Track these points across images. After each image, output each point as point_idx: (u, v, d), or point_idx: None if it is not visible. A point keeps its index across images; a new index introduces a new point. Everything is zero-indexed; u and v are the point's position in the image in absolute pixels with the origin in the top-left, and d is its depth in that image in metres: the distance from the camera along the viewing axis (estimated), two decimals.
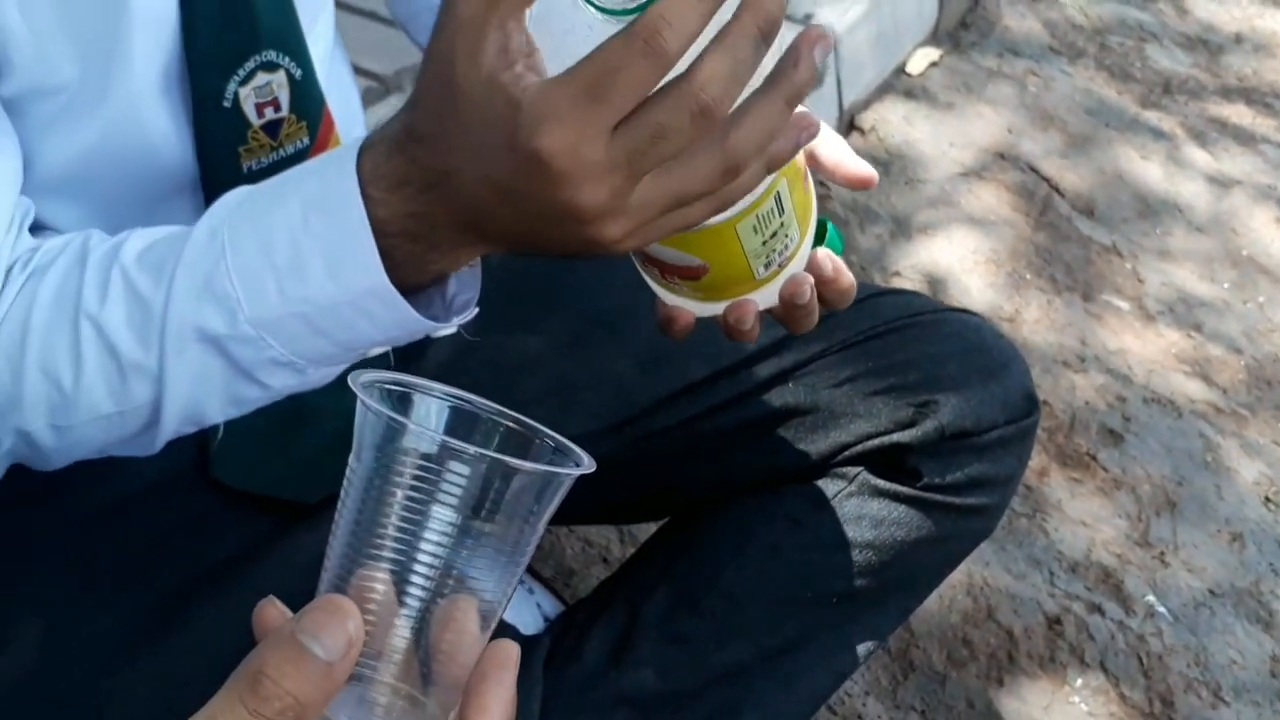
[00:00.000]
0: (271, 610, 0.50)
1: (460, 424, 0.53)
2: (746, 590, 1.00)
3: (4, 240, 0.73)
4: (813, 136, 0.66)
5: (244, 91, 0.81)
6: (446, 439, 0.49)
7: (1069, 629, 1.44)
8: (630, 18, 0.58)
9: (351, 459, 0.51)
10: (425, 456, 0.49)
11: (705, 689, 0.98)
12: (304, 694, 0.45)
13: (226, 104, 0.81)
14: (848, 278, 0.85)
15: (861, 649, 1.05)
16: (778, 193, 0.75)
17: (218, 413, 0.75)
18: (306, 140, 0.86)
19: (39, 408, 0.73)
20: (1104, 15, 2.73)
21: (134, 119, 0.80)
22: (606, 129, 0.59)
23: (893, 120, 2.28)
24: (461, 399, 0.54)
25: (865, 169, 0.91)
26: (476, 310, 0.73)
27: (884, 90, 2.35)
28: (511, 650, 0.52)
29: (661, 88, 0.58)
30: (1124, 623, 1.47)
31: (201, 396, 0.73)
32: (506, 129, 0.59)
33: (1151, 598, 1.50)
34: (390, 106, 1.91)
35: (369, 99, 1.88)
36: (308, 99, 0.86)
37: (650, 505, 1.11)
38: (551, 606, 1.10)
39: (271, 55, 0.82)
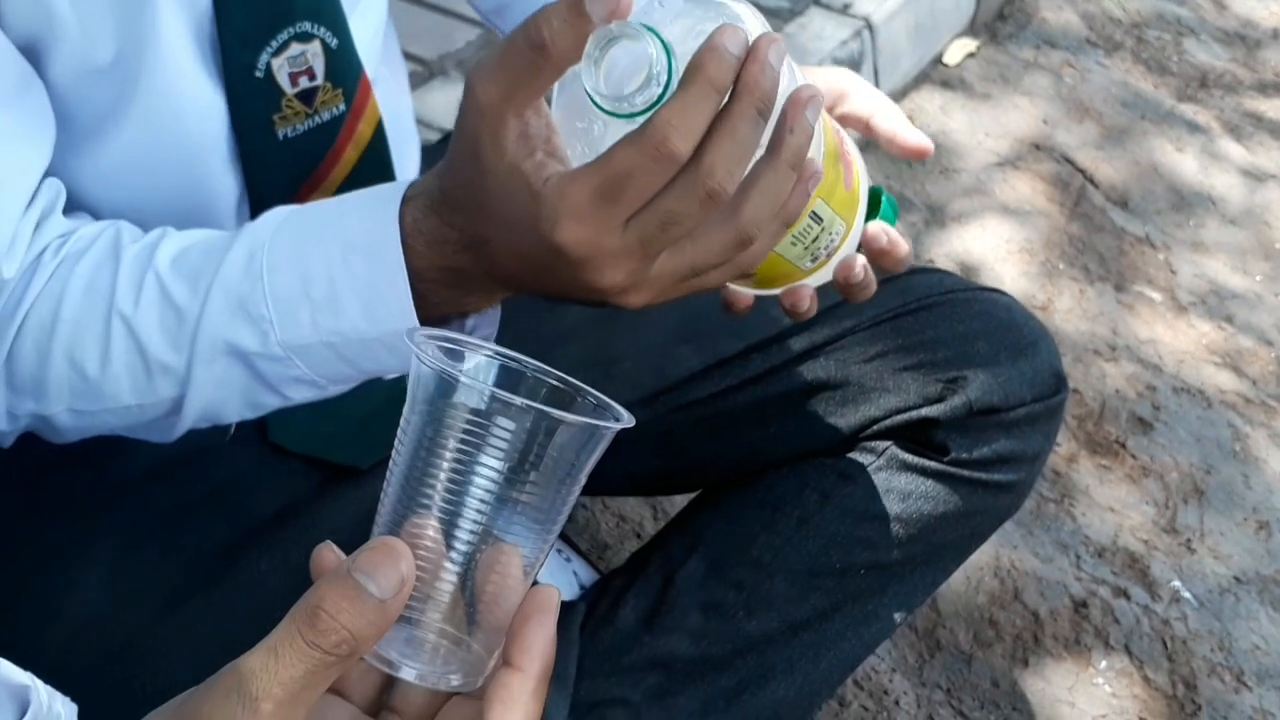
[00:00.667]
0: (328, 554, 0.53)
1: (508, 380, 0.55)
2: (776, 561, 1.01)
3: (26, 219, 0.75)
4: (818, 183, 0.69)
5: (276, 62, 0.83)
6: (495, 391, 0.51)
7: (1094, 612, 1.45)
8: (639, 119, 0.61)
9: (405, 411, 0.53)
10: (474, 409, 0.51)
11: (736, 656, 1.00)
12: (358, 629, 0.47)
13: (259, 74, 0.82)
14: (902, 247, 0.89)
15: (888, 621, 1.06)
16: (813, 210, 0.76)
17: (235, 414, 0.79)
18: (342, 106, 0.88)
19: (61, 392, 0.76)
20: (1142, 9, 2.73)
21: (171, 93, 0.81)
22: (621, 222, 0.63)
23: (929, 110, 2.29)
24: (509, 357, 0.56)
25: (920, 139, 0.95)
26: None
27: (921, 80, 2.36)
28: (552, 595, 0.54)
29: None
30: (1149, 607, 1.47)
31: (223, 400, 0.77)
32: (530, 216, 0.63)
33: (1177, 583, 1.51)
34: (434, 90, 1.94)
35: (414, 82, 1.91)
36: (344, 66, 0.87)
37: (683, 477, 1.13)
38: (587, 575, 1.12)
39: (306, 26, 0.84)
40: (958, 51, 2.44)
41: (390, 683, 0.56)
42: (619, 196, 0.61)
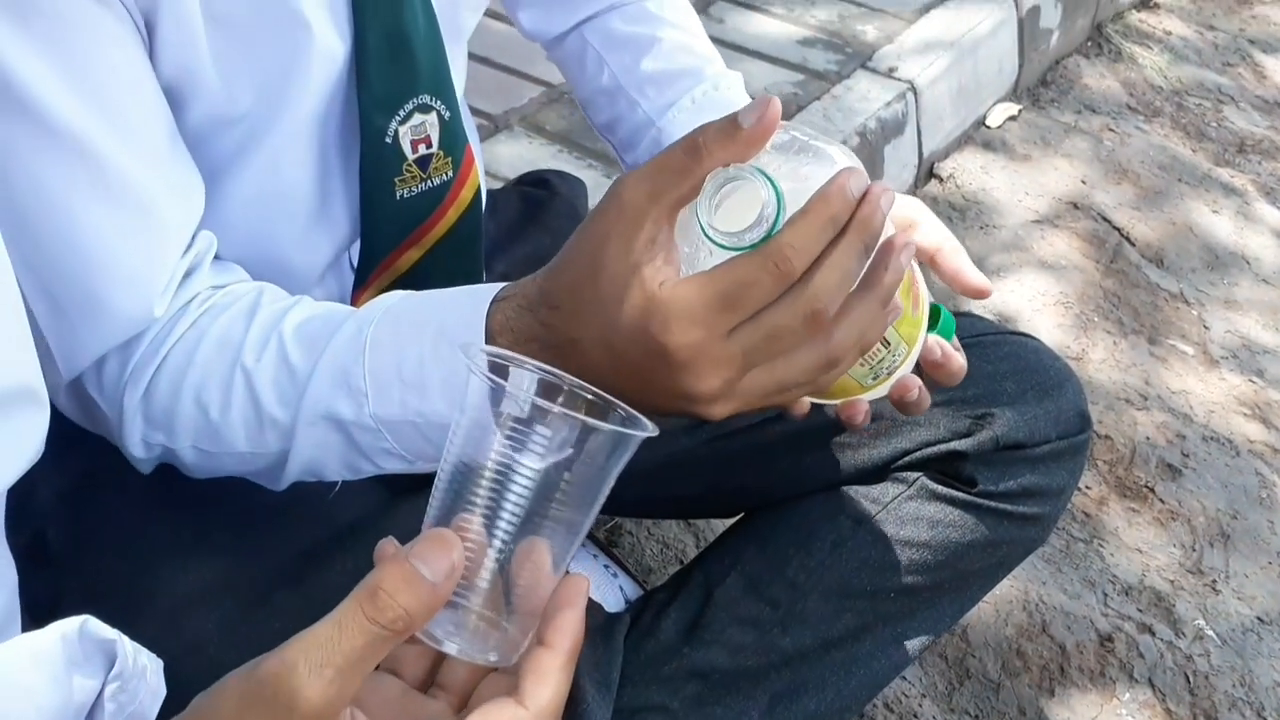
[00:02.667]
0: (389, 546, 0.58)
1: (548, 392, 0.60)
2: (811, 581, 1.05)
3: (180, 265, 0.82)
4: (898, 316, 0.74)
5: (403, 130, 0.90)
6: (537, 400, 0.57)
7: (1119, 646, 1.47)
8: (743, 251, 0.66)
9: (456, 416, 0.59)
10: (518, 416, 0.57)
11: (770, 669, 1.04)
12: (412, 607, 0.52)
13: (388, 140, 0.89)
14: (957, 361, 0.92)
15: (916, 644, 1.09)
16: (884, 337, 0.80)
17: (335, 474, 0.84)
18: (450, 174, 0.95)
19: (188, 430, 0.83)
20: (1183, 77, 2.76)
21: (292, 149, 0.88)
22: (728, 329, 0.67)
23: (970, 169, 2.33)
24: (550, 373, 0.61)
25: (981, 281, 0.98)
26: None
27: (963, 141, 2.40)
28: (582, 583, 0.60)
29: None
30: (1173, 643, 1.49)
31: (323, 460, 0.83)
32: (640, 317, 0.67)
33: (1201, 621, 1.52)
34: (499, 142, 2.01)
35: (481, 135, 1.98)
36: (454, 137, 0.94)
37: (723, 501, 1.17)
38: (632, 590, 1.16)
39: (426, 98, 0.90)
40: (1000, 114, 2.48)
41: (436, 664, 0.61)
42: (735, 305, 0.66)
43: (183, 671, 0.63)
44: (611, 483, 0.60)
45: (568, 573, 0.60)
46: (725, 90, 1.15)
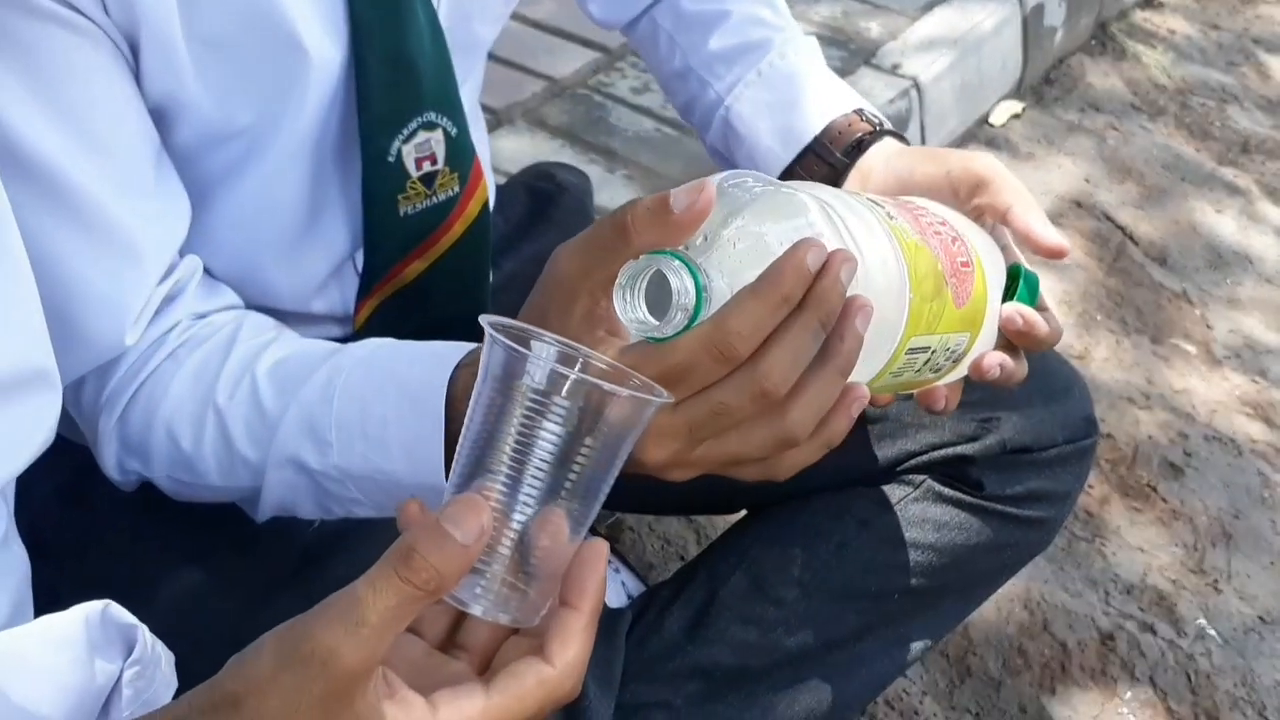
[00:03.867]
0: (414, 505, 0.59)
1: (565, 361, 0.59)
2: (815, 581, 1.04)
3: (157, 292, 0.81)
4: (863, 406, 0.69)
5: (406, 148, 0.88)
6: (556, 366, 0.57)
7: (1121, 645, 1.46)
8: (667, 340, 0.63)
9: (476, 387, 0.59)
10: (538, 385, 0.57)
11: (773, 668, 1.03)
12: (443, 568, 0.53)
13: (390, 159, 0.88)
14: (1042, 327, 0.86)
15: (918, 645, 1.08)
16: (909, 347, 0.75)
17: (308, 514, 0.84)
18: (457, 189, 0.93)
19: (162, 460, 0.83)
20: (1187, 76, 2.74)
21: (287, 166, 0.87)
22: (672, 407, 0.65)
23: None
24: (567, 344, 0.60)
25: (1054, 240, 0.89)
26: None
27: (966, 139, 2.39)
28: (602, 547, 0.60)
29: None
30: (1175, 642, 1.48)
31: (294, 500, 0.83)
32: None
33: (1203, 620, 1.51)
34: (502, 136, 1.99)
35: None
36: (460, 153, 0.92)
37: (726, 499, 1.16)
38: (635, 586, 1.16)
39: (431, 116, 0.89)
40: (1003, 113, 2.47)
41: (456, 625, 0.62)
42: (676, 383, 0.63)
43: (186, 669, 0.63)
44: (629, 448, 0.60)
45: (587, 537, 0.61)
46: (792, 57, 1.10)
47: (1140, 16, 2.92)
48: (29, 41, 0.72)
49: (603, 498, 0.60)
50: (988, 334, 0.84)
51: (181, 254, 0.84)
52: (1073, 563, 1.57)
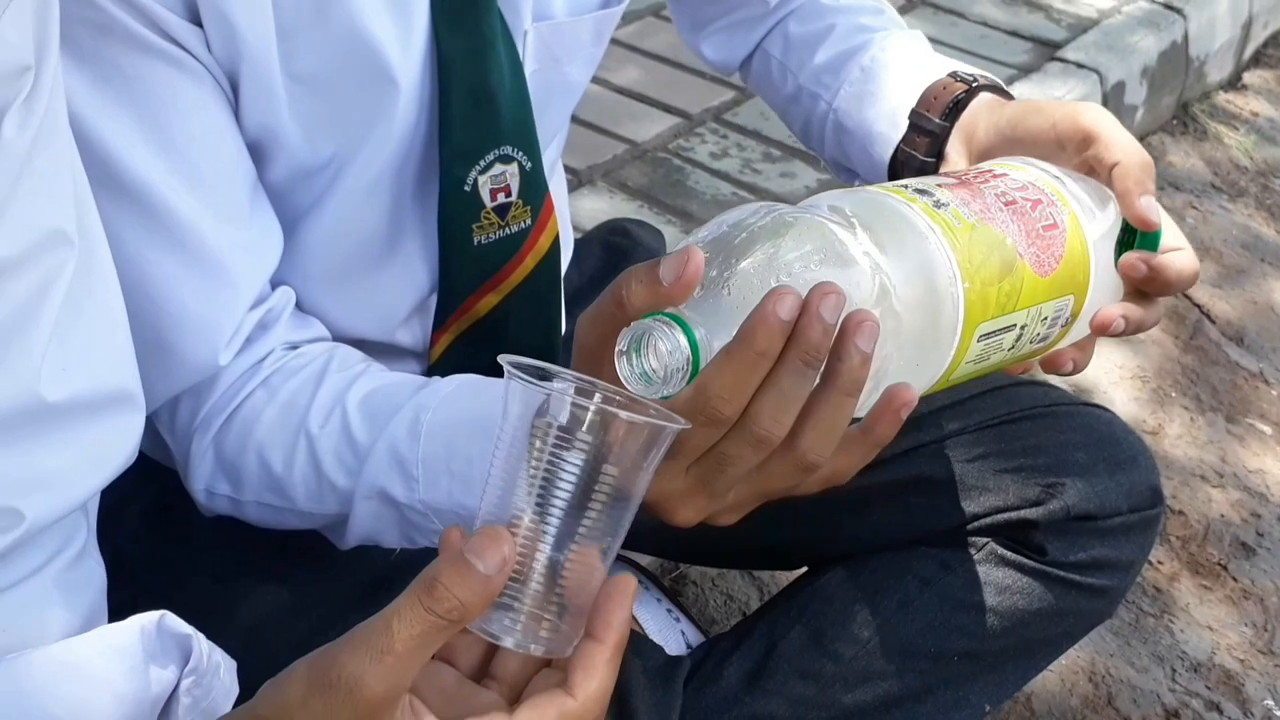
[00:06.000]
0: (454, 533, 0.60)
1: (583, 395, 0.60)
2: (875, 638, 1.03)
3: (250, 317, 0.84)
4: (909, 408, 0.67)
5: (483, 179, 0.91)
6: (577, 398, 0.58)
7: None
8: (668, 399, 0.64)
9: (499, 423, 0.60)
10: (557, 418, 0.58)
11: None
12: (467, 598, 0.54)
13: (467, 189, 0.90)
14: (1171, 269, 0.82)
15: (978, 709, 1.07)
16: (977, 342, 0.74)
17: (393, 543, 0.86)
18: (529, 222, 0.96)
19: (252, 484, 0.86)
20: (1269, 158, 2.71)
21: (369, 195, 0.89)
22: (682, 469, 0.66)
23: None
24: (583, 379, 0.61)
25: (1147, 212, 0.84)
26: None
27: None
28: (630, 581, 0.61)
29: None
30: None
31: (380, 530, 0.85)
32: None
33: (1270, 702, 1.48)
34: (582, 196, 2.03)
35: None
36: (534, 187, 0.95)
37: (789, 554, 1.16)
38: (695, 636, 1.16)
39: (508, 149, 0.92)
40: None
41: (490, 655, 0.62)
42: (675, 451, 0.64)
43: (257, 687, 0.64)
44: (650, 477, 0.61)
45: (617, 571, 0.61)
46: (892, 48, 1.08)
47: (1223, 98, 2.90)
48: (138, 75, 0.76)
49: (626, 527, 0.61)
50: (1102, 289, 0.81)
51: (273, 285, 0.87)
52: (1139, 638, 1.54)
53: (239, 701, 0.62)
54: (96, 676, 0.59)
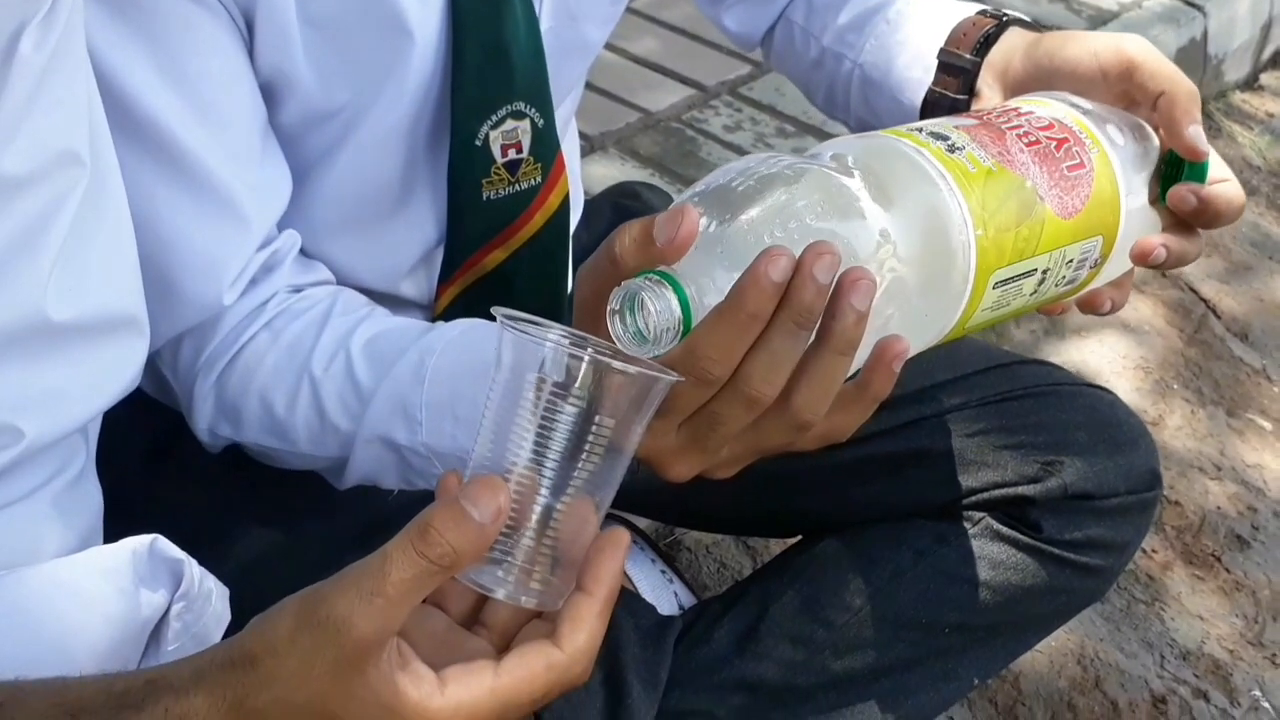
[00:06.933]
0: (451, 479, 0.60)
1: (578, 347, 0.60)
2: (867, 607, 1.03)
3: (256, 259, 0.84)
4: (902, 360, 0.65)
5: (494, 134, 0.90)
6: (571, 349, 0.58)
7: (1173, 709, 1.44)
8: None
9: (492, 374, 0.60)
10: (550, 370, 0.57)
11: (818, 689, 1.02)
12: (459, 545, 0.54)
13: (478, 143, 0.90)
14: (1221, 199, 0.80)
15: (965, 682, 1.07)
16: (992, 290, 0.71)
17: (391, 485, 0.86)
18: (539, 179, 0.95)
19: (252, 425, 0.85)
20: None
21: (382, 146, 0.89)
22: (674, 427, 0.65)
23: None
24: (575, 333, 0.61)
25: (1194, 141, 0.80)
26: None
27: None
28: (623, 535, 0.60)
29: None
30: (1227, 711, 1.45)
31: (379, 473, 0.85)
32: None
33: (1258, 693, 1.48)
34: (594, 162, 2.03)
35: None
36: (545, 144, 0.94)
37: (785, 522, 1.16)
38: (687, 598, 1.16)
39: (521, 105, 0.91)
40: None
41: (481, 602, 0.62)
42: (667, 409, 0.63)
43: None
44: (642, 430, 0.60)
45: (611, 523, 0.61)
46: (916, 1, 1.04)
47: (1239, 97, 2.89)
48: (156, 10, 0.75)
49: (618, 481, 0.60)
50: (1136, 227, 0.78)
51: (280, 229, 0.87)
52: (1130, 624, 1.54)
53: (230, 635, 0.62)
54: (87, 596, 0.59)
